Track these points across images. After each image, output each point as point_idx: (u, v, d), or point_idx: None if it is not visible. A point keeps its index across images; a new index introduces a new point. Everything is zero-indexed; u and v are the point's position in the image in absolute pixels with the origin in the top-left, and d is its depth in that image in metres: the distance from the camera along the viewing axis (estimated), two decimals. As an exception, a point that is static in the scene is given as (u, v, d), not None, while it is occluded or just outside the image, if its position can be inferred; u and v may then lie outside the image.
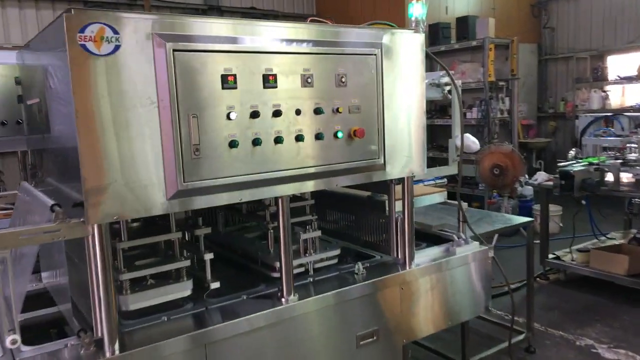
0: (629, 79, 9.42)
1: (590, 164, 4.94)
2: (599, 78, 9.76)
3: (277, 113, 2.07)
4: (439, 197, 3.00)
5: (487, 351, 3.78)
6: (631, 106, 9.30)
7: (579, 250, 5.48)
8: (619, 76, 9.62)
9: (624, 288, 4.94)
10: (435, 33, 8.40)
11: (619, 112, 9.10)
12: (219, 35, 1.92)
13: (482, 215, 3.95)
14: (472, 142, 2.95)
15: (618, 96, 9.87)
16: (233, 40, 1.94)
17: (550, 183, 5.05)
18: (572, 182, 4.64)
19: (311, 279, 2.50)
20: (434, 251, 2.89)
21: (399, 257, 2.72)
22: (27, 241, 1.76)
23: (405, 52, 2.44)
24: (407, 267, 2.66)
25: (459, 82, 2.83)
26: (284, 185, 2.14)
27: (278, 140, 2.08)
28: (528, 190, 7.18)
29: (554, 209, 6.74)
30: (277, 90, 2.07)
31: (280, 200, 2.20)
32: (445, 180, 3.35)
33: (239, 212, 2.91)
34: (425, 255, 2.82)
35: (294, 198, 2.61)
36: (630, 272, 4.86)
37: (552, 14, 10.85)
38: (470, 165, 3.85)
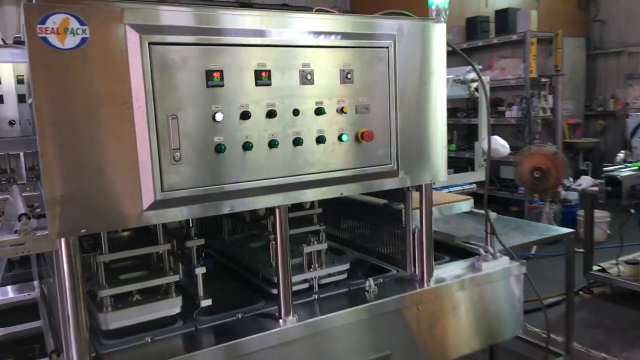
0: (686, 75, 8.75)
1: (641, 168, 4.51)
2: (653, 74, 9.11)
3: (271, 113, 1.84)
4: (465, 205, 2.72)
5: (519, 374, 3.45)
6: (688, 104, 8.62)
7: (627, 262, 5.02)
8: (675, 72, 8.95)
9: (677, 305, 4.49)
10: (473, 27, 8.00)
11: (675, 110, 8.44)
12: (202, 26, 1.70)
13: (517, 225, 3.62)
14: (500, 145, 2.65)
15: (674, 93, 9.17)
16: (218, 32, 1.73)
17: (596, 189, 4.64)
18: (620, 188, 4.23)
19: (316, 296, 2.26)
20: (457, 266, 2.59)
21: (416, 272, 2.45)
22: (-14, 255, 1.60)
23: (423, 45, 2.17)
24: (425, 285, 2.39)
25: (486, 79, 2.53)
26: (279, 194, 1.91)
27: (272, 144, 1.85)
28: (573, 195, 6.71)
29: (601, 215, 6.26)
30: (272, 88, 1.84)
31: (277, 211, 1.98)
32: (474, 185, 3.04)
33: (243, 219, 2.70)
34: (446, 271, 2.54)
35: (300, 206, 2.39)
36: (685, 287, 4.40)
37: (601, 5, 10.18)
38: (508, 167, 3.52)
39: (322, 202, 2.44)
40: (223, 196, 1.80)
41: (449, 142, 8.46)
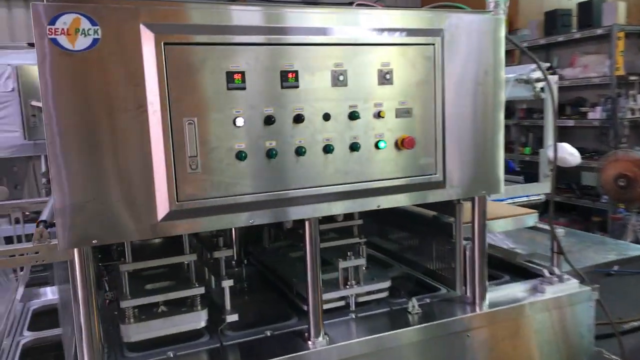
0: None
1: None
2: None
3: (298, 118, 1.68)
4: (529, 220, 2.43)
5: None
6: None
7: None
8: None
9: None
10: (552, 21, 7.43)
11: None
12: (221, 24, 1.58)
13: (592, 241, 3.24)
14: (569, 154, 2.33)
15: None
16: (238, 30, 1.59)
17: (690, 200, 4.10)
18: None
19: (352, 316, 2.08)
20: (516, 288, 2.31)
21: (467, 293, 2.21)
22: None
23: (477, 40, 1.93)
24: (477, 309, 2.14)
25: (554, 78, 2.23)
26: (307, 206, 1.75)
27: (299, 151, 1.69)
28: (664, 205, 6.04)
29: (697, 228, 5.58)
30: (299, 91, 1.68)
31: (306, 224, 1.82)
32: (541, 196, 2.73)
33: (282, 227, 2.57)
34: (503, 293, 2.27)
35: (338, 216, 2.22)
36: None
37: (703, -5, 9.17)
38: (590, 173, 3.16)
39: (369, 211, 2.26)
40: (244, 207, 1.67)
41: (524, 144, 7.94)
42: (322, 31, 1.69)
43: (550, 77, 2.18)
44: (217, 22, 1.57)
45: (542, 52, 7.79)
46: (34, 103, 3.68)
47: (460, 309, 2.14)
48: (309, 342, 1.86)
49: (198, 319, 1.91)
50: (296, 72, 1.67)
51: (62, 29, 1.42)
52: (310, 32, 1.68)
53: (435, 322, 2.03)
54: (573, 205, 7.17)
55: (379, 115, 1.79)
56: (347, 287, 2.09)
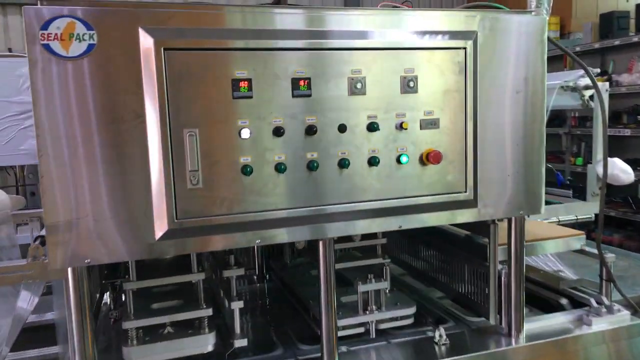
0: None
1: None
2: None
3: (311, 130, 1.54)
4: (574, 242, 2.18)
5: None
6: None
7: None
8: None
9: None
10: (608, 24, 7.00)
11: None
12: (227, 27, 1.45)
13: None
14: (621, 170, 2.08)
15: None
16: (245, 34, 1.47)
17: None
18: None
19: (372, 345, 1.91)
20: (559, 319, 2.08)
21: (502, 324, 1.99)
22: (-7, 281, 1.48)
23: (515, 43, 1.73)
24: (512, 341, 1.93)
25: (604, 85, 2.00)
26: (319, 225, 1.60)
27: (311, 166, 1.55)
28: None
29: None
30: (312, 100, 1.54)
31: (320, 244, 1.67)
32: (591, 215, 2.47)
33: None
34: (544, 324, 2.05)
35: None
36: None
37: None
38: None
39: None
40: (250, 226, 1.53)
41: (575, 154, 7.51)
42: (338, 35, 1.54)
43: (600, 84, 1.95)
44: (221, 26, 1.45)
45: (597, 56, 7.36)
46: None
47: (493, 340, 1.94)
48: (322, 374, 1.71)
49: (205, 343, 1.79)
50: (308, 79, 1.52)
51: (56, 34, 1.33)
52: (324, 35, 1.53)
53: (464, 356, 1.84)
54: (629, 220, 6.70)
55: (401, 126, 1.62)
56: (367, 312, 1.92)
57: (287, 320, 2.21)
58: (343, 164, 1.58)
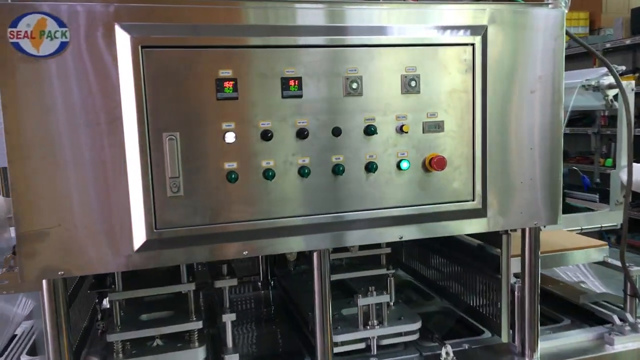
0: None
1: None
2: None
3: (302, 133, 1.43)
4: (596, 254, 2.02)
5: None
6: None
7: None
8: None
9: None
10: (639, 19, 6.69)
11: None
12: (208, 24, 1.35)
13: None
14: (647, 177, 1.91)
15: None
16: (230, 30, 1.36)
17: None
18: None
19: (373, 361, 1.79)
20: (578, 337, 1.93)
21: (515, 341, 1.85)
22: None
23: (530, 39, 1.59)
24: (526, 361, 1.79)
25: (630, 84, 1.83)
26: (312, 235, 1.49)
27: (303, 172, 1.44)
28: None
29: None
30: (303, 101, 1.43)
31: (315, 255, 1.56)
32: (616, 224, 2.29)
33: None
34: (561, 342, 1.90)
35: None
36: None
37: None
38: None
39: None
40: (237, 237, 1.43)
41: (605, 155, 7.22)
42: (331, 31, 1.43)
43: (625, 82, 1.78)
44: (203, 22, 1.35)
45: (629, 53, 7.05)
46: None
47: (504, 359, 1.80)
48: (316, 394, 1.60)
49: (194, 357, 1.69)
50: (299, 78, 1.41)
51: (26, 32, 1.24)
52: (315, 32, 1.41)
53: (472, 376, 1.71)
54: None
55: (401, 129, 1.50)
56: (368, 327, 1.80)
57: (286, 331, 2.11)
58: (337, 170, 1.46)
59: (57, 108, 1.28)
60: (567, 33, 1.64)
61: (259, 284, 2.67)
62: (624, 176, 1.90)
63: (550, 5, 1.66)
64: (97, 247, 1.34)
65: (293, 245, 1.49)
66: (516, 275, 1.87)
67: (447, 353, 1.77)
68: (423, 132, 1.53)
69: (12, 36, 1.24)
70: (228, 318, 1.74)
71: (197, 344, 1.71)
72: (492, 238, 1.92)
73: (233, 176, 1.38)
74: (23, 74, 1.25)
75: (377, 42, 1.45)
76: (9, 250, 2.04)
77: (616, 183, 2.07)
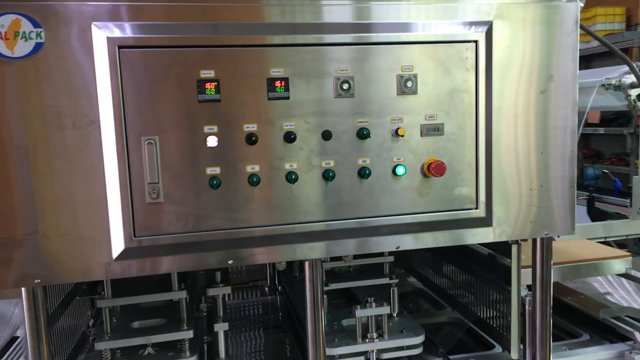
0: None
1: None
2: None
3: (289, 137, 1.35)
4: (618, 265, 1.88)
5: None
6: None
7: None
8: None
9: None
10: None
11: None
12: (191, 22, 1.28)
13: None
14: (673, 184, 1.75)
15: None
16: (213, 28, 1.29)
17: None
18: None
19: (372, 376, 1.70)
20: (595, 355, 1.80)
21: (526, 358, 1.73)
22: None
23: (540, 35, 1.47)
24: (536, 380, 1.67)
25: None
26: (302, 245, 1.41)
27: (290, 177, 1.36)
28: None
29: None
30: (291, 103, 1.35)
31: (306, 265, 1.48)
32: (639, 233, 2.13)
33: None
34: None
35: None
36: None
37: None
38: None
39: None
40: (220, 245, 1.36)
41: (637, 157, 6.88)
42: (320, 28, 1.34)
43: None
44: (183, 21, 1.28)
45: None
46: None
47: (513, 378, 1.68)
48: (308, 410, 1.52)
49: (185, 367, 1.64)
50: (286, 79, 1.33)
51: (0, 33, 1.21)
52: (304, 29, 1.33)
53: (477, 395, 1.60)
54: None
55: (397, 133, 1.40)
56: (367, 340, 1.71)
57: (286, 341, 2.04)
58: (328, 175, 1.38)
59: (33, 111, 1.24)
60: (583, 28, 1.52)
61: (266, 289, 2.61)
62: (647, 182, 1.75)
63: (563, 0, 1.54)
64: (75, 255, 1.29)
65: (281, 254, 1.41)
66: (529, 287, 1.75)
67: (451, 369, 1.67)
68: (421, 136, 1.43)
69: (-15, 37, 1.20)
70: (220, 327, 1.68)
71: (188, 353, 1.65)
72: (503, 247, 1.80)
73: (215, 182, 1.32)
74: (-3, 76, 1.22)
75: (369, 40, 1.36)
76: None
77: (638, 190, 1.92)
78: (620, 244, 2.61)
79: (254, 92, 1.33)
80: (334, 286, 1.86)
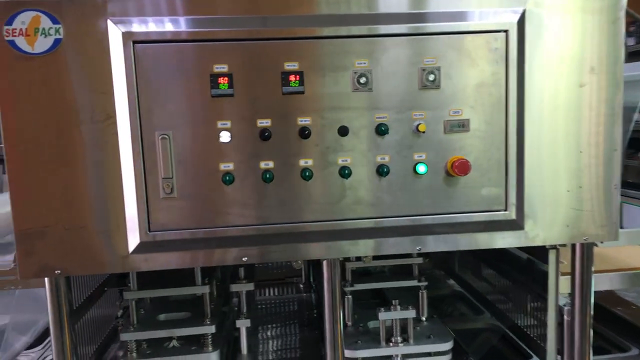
0: None
1: None
2: None
3: (304, 132, 1.31)
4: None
5: None
6: None
7: None
8: None
9: None
10: None
11: None
12: (202, 17, 1.27)
13: None
14: None
15: None
16: (222, 22, 1.27)
17: None
18: None
19: (396, 383, 1.64)
20: (642, 371, 1.65)
21: (564, 371, 1.61)
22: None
23: (579, 23, 1.36)
24: (574, 397, 1.55)
25: None
26: (318, 244, 1.37)
27: (305, 174, 1.32)
28: None
29: None
30: (305, 97, 1.31)
31: (324, 264, 1.44)
32: None
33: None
34: (622, 376, 1.63)
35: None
36: None
37: None
38: None
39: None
40: (233, 242, 1.34)
41: None
42: (337, 20, 1.29)
43: None
44: (196, 14, 1.27)
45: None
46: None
47: (548, 393, 1.58)
48: (325, 414, 1.48)
49: (206, 361, 1.65)
50: (301, 73, 1.29)
51: (20, 29, 1.24)
52: (325, 21, 1.29)
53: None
54: None
55: (417, 129, 1.33)
56: (390, 344, 1.65)
57: (312, 341, 2.01)
58: (344, 173, 1.33)
59: (52, 106, 1.27)
60: (630, 14, 1.38)
61: (301, 286, 2.59)
62: None
63: (607, -16, 1.40)
64: (93, 247, 1.32)
65: (296, 253, 1.38)
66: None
67: (480, 379, 1.58)
68: (444, 132, 1.35)
69: (7, 34, 1.24)
70: (242, 324, 1.67)
71: (210, 348, 1.66)
72: (543, 252, 1.68)
73: (228, 178, 1.30)
74: (19, 72, 1.25)
75: (388, 32, 1.30)
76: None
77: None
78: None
79: (268, 87, 1.30)
80: (359, 287, 1.80)
